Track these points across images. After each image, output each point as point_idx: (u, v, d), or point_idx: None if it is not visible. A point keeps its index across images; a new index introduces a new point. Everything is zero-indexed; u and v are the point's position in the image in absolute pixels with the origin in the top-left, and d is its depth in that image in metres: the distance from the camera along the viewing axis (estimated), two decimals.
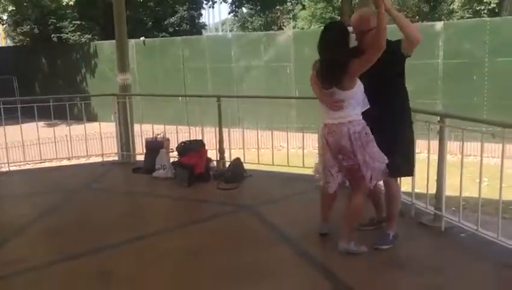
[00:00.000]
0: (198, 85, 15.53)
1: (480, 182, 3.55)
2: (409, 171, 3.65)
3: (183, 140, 5.82)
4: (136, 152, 6.69)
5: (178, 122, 6.95)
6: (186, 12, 23.17)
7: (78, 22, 21.49)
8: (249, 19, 34.07)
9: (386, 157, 3.28)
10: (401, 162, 3.45)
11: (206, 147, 5.69)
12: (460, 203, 3.75)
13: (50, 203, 4.90)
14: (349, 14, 18.15)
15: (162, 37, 20.81)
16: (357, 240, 3.43)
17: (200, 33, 24.85)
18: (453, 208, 4.09)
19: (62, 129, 8.29)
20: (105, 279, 3.33)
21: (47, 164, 7.16)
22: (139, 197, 5.28)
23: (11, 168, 6.55)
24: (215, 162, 5.83)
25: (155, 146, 5.94)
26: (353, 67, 3.17)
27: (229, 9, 25.16)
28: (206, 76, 15.65)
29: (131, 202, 5.19)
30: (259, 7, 24.28)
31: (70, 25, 21.51)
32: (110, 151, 6.96)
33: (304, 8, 26.68)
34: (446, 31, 12.40)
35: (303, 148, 5.51)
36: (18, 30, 23.06)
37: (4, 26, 24.74)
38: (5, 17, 21.90)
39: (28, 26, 22.05)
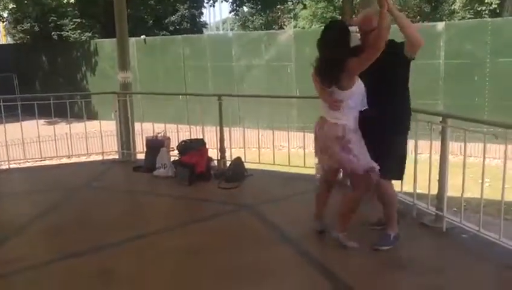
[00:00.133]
0: (198, 84, 15.51)
1: (482, 183, 3.54)
2: (400, 175, 3.64)
3: (184, 139, 5.81)
4: (137, 151, 6.68)
5: (178, 121, 6.93)
6: (187, 10, 23.18)
7: (79, 20, 21.50)
8: (250, 18, 34.04)
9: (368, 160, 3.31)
10: (393, 164, 3.45)
11: (207, 146, 5.68)
12: (461, 204, 3.74)
13: (50, 201, 4.89)
14: (350, 13, 18.16)
15: (162, 35, 20.80)
16: (346, 232, 3.51)
17: (201, 32, 24.84)
18: (454, 209, 4.09)
19: (62, 127, 8.25)
20: (105, 278, 3.32)
21: (47, 162, 7.15)
22: (139, 196, 5.27)
23: (11, 166, 6.54)
24: (216, 161, 5.82)
25: (156, 145, 5.93)
26: (351, 65, 3.18)
27: (230, 8, 25.12)
28: (207, 75, 15.63)
29: (132, 200, 5.18)
30: (260, 6, 24.24)
31: (71, 23, 21.52)
32: (111, 149, 6.95)
33: (304, 7, 26.62)
34: (447, 31, 12.38)
35: (304, 148, 5.49)
36: (18, 28, 23.05)
37: (4, 23, 24.70)
38: (5, 14, 21.85)
39: (29, 24, 22.04)
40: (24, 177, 6.32)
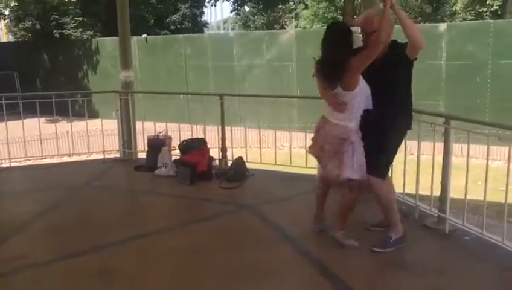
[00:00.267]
0: (200, 83, 15.51)
1: (486, 185, 3.52)
2: (385, 174, 3.56)
3: (185, 138, 5.80)
4: (138, 150, 6.66)
5: (179, 120, 6.92)
6: (188, 10, 23.19)
7: (80, 18, 21.50)
8: (251, 17, 34.02)
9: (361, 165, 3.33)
10: (381, 162, 3.44)
11: (208, 146, 5.66)
12: (465, 206, 3.72)
13: (51, 200, 4.88)
14: (351, 14, 18.15)
15: (164, 34, 20.80)
16: (344, 231, 3.53)
17: (202, 31, 24.85)
18: (453, 210, 4.07)
19: (63, 125, 8.26)
20: (106, 277, 3.31)
21: (48, 161, 7.13)
22: (140, 195, 5.25)
23: (12, 164, 6.53)
24: (217, 161, 5.81)
25: (157, 144, 5.92)
26: (354, 63, 3.18)
27: (231, 8, 25.15)
28: (208, 74, 15.63)
29: (133, 200, 5.16)
30: (261, 6, 24.27)
31: (72, 21, 21.52)
32: (112, 148, 6.94)
33: (306, 7, 26.63)
34: (449, 32, 12.38)
35: (305, 148, 5.47)
36: (20, 26, 23.07)
37: (6, 21, 24.71)
38: (7, 12, 21.88)
39: (30, 22, 22.06)
40: (25, 176, 6.31)
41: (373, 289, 3.15)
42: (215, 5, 34.21)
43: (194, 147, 5.51)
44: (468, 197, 3.68)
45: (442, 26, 12.87)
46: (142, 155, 6.40)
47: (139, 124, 6.68)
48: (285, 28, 30.94)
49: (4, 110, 6.30)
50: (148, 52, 16.67)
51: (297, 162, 5.60)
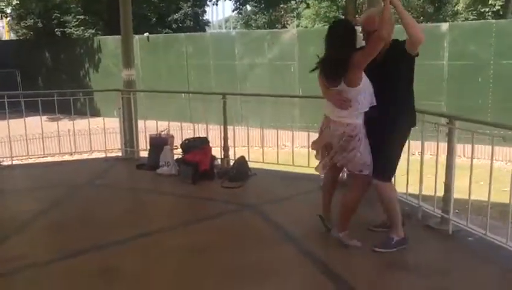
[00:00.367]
0: (201, 82, 15.50)
1: (490, 186, 3.51)
2: (391, 176, 3.58)
3: (187, 137, 5.79)
4: (140, 148, 6.66)
5: (181, 119, 6.91)
6: (190, 9, 23.19)
7: (82, 17, 21.52)
8: (253, 16, 34.04)
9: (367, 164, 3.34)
10: (387, 165, 3.43)
11: (210, 145, 5.65)
12: (469, 207, 3.70)
13: (52, 198, 4.87)
14: (353, 13, 18.12)
15: (165, 33, 20.79)
16: (348, 231, 3.51)
17: (204, 30, 24.84)
18: (456, 211, 4.06)
19: (65, 124, 8.24)
20: (108, 276, 3.30)
21: (50, 159, 7.13)
22: (142, 194, 5.25)
23: (14, 162, 6.52)
24: (219, 160, 5.80)
25: (159, 143, 5.91)
26: (356, 58, 3.17)
27: (233, 7, 25.18)
28: (210, 73, 15.62)
29: (135, 198, 5.16)
30: (263, 5, 24.27)
31: (74, 20, 21.54)
32: (113, 147, 6.93)
33: (308, 6, 26.62)
34: (451, 32, 12.35)
35: (308, 148, 5.46)
36: (22, 24, 23.07)
37: (8, 19, 24.70)
38: (8, 10, 21.86)
39: (32, 20, 22.05)
40: (26, 174, 6.31)
41: (376, 289, 3.13)
42: (216, 4, 34.27)
43: (196, 146, 5.50)
44: (472, 197, 3.67)
45: (444, 26, 12.84)
46: (144, 154, 6.39)
47: (141, 123, 6.67)
48: (286, 27, 30.92)
49: (6, 108, 6.29)
50: (150, 51, 16.65)
51: (299, 162, 5.58)
